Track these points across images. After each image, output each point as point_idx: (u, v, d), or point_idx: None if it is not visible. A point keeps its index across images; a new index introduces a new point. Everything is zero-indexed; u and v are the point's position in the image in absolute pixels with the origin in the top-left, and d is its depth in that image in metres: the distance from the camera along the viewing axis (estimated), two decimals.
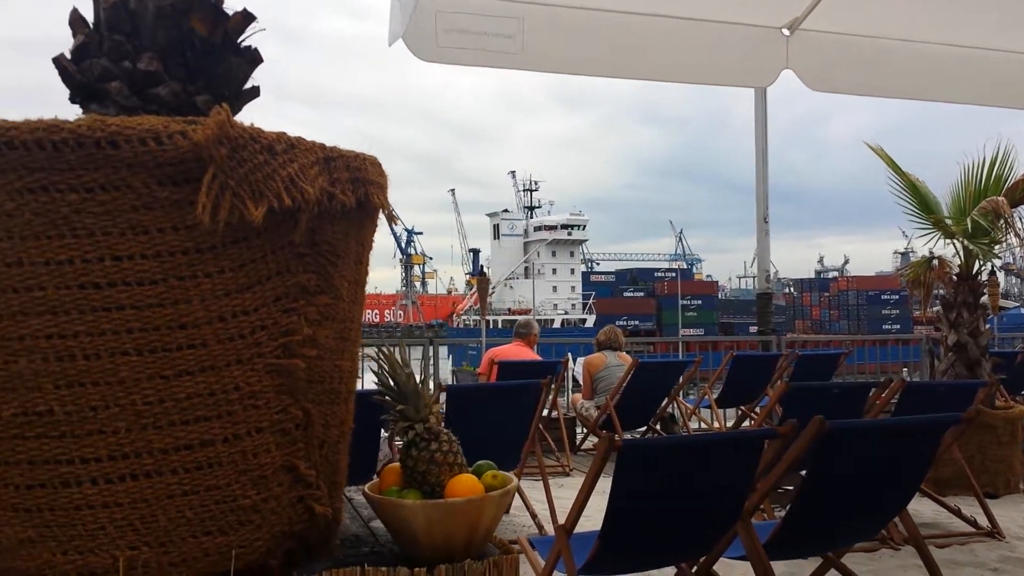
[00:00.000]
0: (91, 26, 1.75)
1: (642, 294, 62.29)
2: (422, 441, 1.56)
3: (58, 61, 1.72)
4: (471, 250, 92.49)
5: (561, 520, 4.25)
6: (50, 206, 1.33)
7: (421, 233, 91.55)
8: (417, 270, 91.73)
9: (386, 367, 1.61)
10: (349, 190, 1.60)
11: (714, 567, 2.72)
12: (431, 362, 7.80)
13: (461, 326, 59.59)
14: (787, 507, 2.86)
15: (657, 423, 6.75)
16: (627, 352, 7.11)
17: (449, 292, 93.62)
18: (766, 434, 2.50)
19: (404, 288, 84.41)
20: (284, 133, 1.52)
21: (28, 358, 1.33)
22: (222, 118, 1.40)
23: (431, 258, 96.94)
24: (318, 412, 1.55)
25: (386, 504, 1.51)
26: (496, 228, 75.90)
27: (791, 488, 3.39)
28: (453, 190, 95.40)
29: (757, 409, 7.21)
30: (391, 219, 1.77)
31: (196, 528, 1.40)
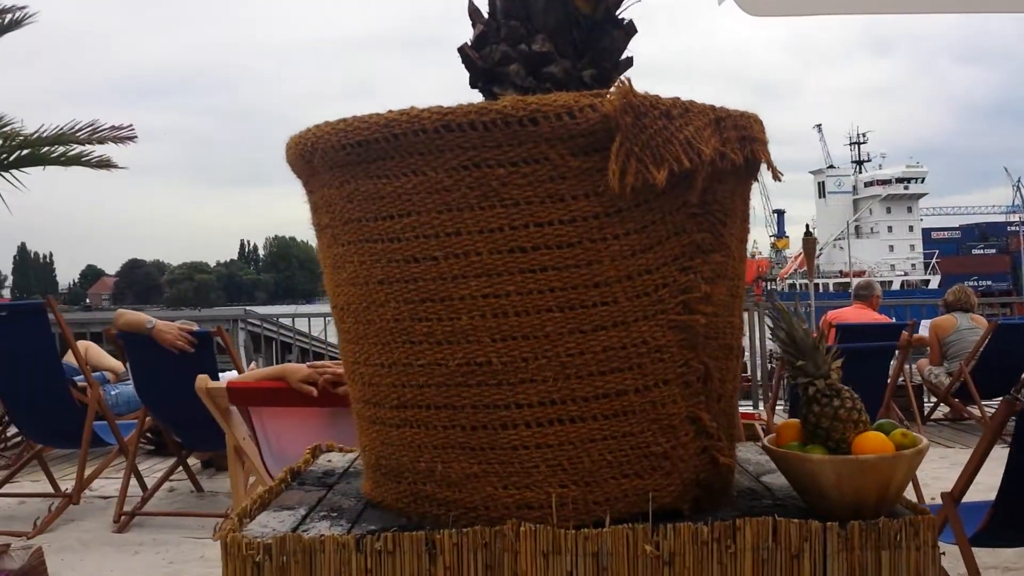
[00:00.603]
0: (487, 16, 1.92)
1: (994, 251, 55.49)
2: (823, 397, 1.55)
3: (462, 50, 1.91)
4: (775, 211, 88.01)
5: (929, 490, 4.01)
6: (482, 180, 1.49)
7: None
8: None
9: (783, 323, 1.62)
10: (737, 148, 1.62)
11: None
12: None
13: (787, 290, 56.35)
14: None
15: (1020, 391, 6.09)
16: (979, 314, 6.48)
17: (752, 256, 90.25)
18: None
19: None
20: (679, 98, 1.57)
21: (468, 315, 1.51)
22: (626, 88, 1.48)
23: None
24: (715, 367, 1.60)
25: (791, 458, 1.52)
26: (821, 186, 70.66)
27: None
28: None
29: None
30: (776, 175, 1.76)
31: (616, 471, 1.52)
